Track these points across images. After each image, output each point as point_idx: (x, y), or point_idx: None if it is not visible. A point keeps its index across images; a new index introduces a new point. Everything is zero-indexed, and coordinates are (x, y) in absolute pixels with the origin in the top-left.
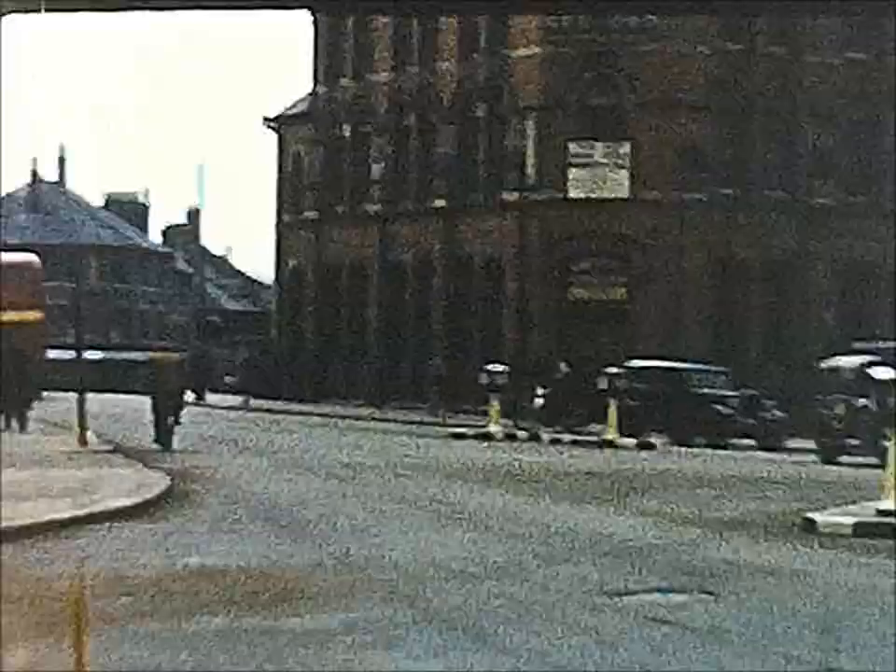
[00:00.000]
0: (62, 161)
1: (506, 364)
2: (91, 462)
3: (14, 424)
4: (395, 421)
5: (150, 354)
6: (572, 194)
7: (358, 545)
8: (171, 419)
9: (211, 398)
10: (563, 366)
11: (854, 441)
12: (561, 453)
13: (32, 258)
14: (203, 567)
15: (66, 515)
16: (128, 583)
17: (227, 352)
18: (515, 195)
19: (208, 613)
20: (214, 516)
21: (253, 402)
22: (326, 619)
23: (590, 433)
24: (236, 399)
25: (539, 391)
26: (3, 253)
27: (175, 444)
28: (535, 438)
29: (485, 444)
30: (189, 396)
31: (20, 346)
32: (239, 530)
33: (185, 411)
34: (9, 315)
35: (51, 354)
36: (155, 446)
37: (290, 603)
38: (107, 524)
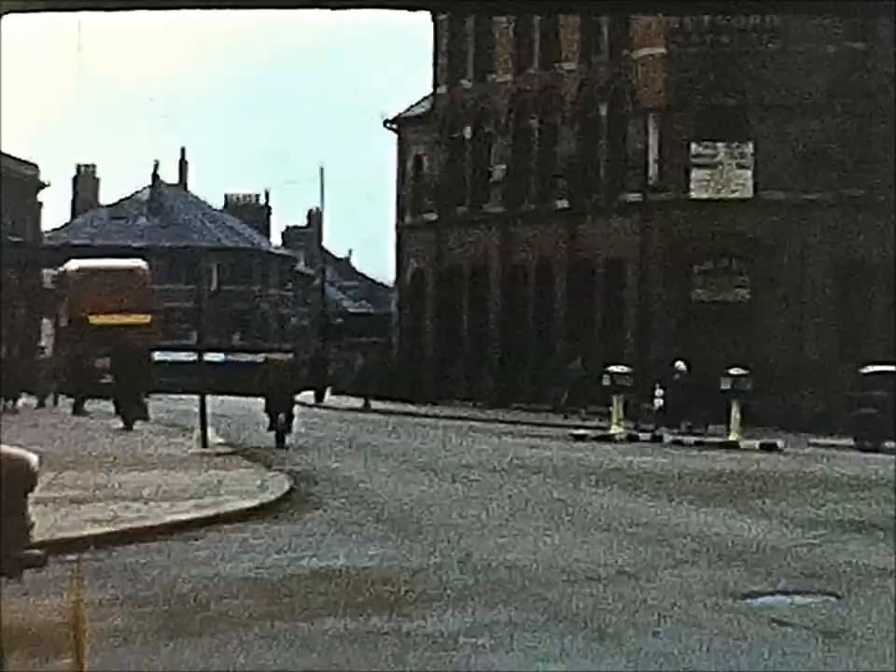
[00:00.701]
0: (183, 163)
1: (628, 365)
2: (213, 464)
3: (134, 422)
4: (516, 423)
5: (264, 355)
6: (694, 195)
7: (480, 547)
8: (282, 417)
9: (331, 399)
10: (681, 366)
11: None
12: (683, 454)
13: (140, 263)
14: (326, 569)
15: (189, 517)
16: (251, 585)
17: (347, 354)
18: (637, 196)
19: (331, 615)
20: (335, 518)
21: (373, 404)
22: (448, 620)
23: (711, 434)
24: (356, 401)
25: (658, 392)
26: (114, 260)
27: (295, 445)
28: (657, 439)
29: (607, 446)
30: (310, 397)
31: (139, 348)
32: (360, 532)
33: (305, 412)
34: (121, 318)
35: (172, 356)
36: (277, 448)
37: (412, 605)
38: (230, 525)
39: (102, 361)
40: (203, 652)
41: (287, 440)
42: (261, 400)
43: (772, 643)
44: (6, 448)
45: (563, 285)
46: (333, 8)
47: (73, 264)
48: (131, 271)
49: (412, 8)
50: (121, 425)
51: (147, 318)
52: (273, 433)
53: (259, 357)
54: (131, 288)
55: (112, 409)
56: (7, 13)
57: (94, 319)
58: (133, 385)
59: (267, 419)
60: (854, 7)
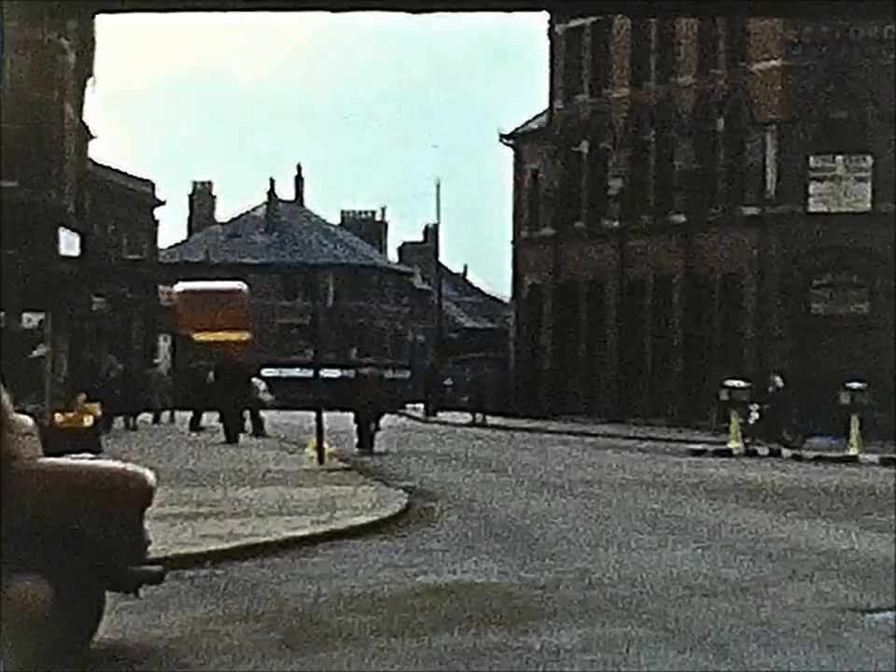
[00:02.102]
0: (298, 179)
1: (745, 379)
2: (329, 480)
3: (237, 436)
4: (633, 437)
5: (355, 370)
6: (813, 208)
7: (597, 562)
8: (372, 426)
9: (445, 414)
10: (777, 380)
11: None
12: (802, 469)
13: (241, 286)
14: (442, 585)
15: (306, 533)
16: (368, 601)
17: (465, 369)
18: (755, 210)
19: (447, 630)
20: (452, 533)
21: (489, 419)
22: (564, 636)
23: (809, 448)
24: (469, 417)
25: (754, 406)
26: (216, 282)
27: (409, 461)
28: (775, 454)
29: (725, 460)
30: (419, 412)
31: (239, 363)
32: (477, 547)
33: (418, 427)
34: (221, 335)
35: (287, 372)
36: (392, 465)
37: (529, 620)
38: (347, 541)
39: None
40: (319, 669)
41: (375, 448)
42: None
43: (892, 659)
44: (123, 464)
45: (680, 299)
46: (334, 10)
47: (179, 286)
48: (231, 292)
49: (415, 11)
50: (224, 439)
51: (245, 336)
52: (359, 439)
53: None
54: (231, 308)
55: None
56: (97, 13)
57: (198, 336)
58: (236, 399)
59: (355, 426)
60: (855, 7)
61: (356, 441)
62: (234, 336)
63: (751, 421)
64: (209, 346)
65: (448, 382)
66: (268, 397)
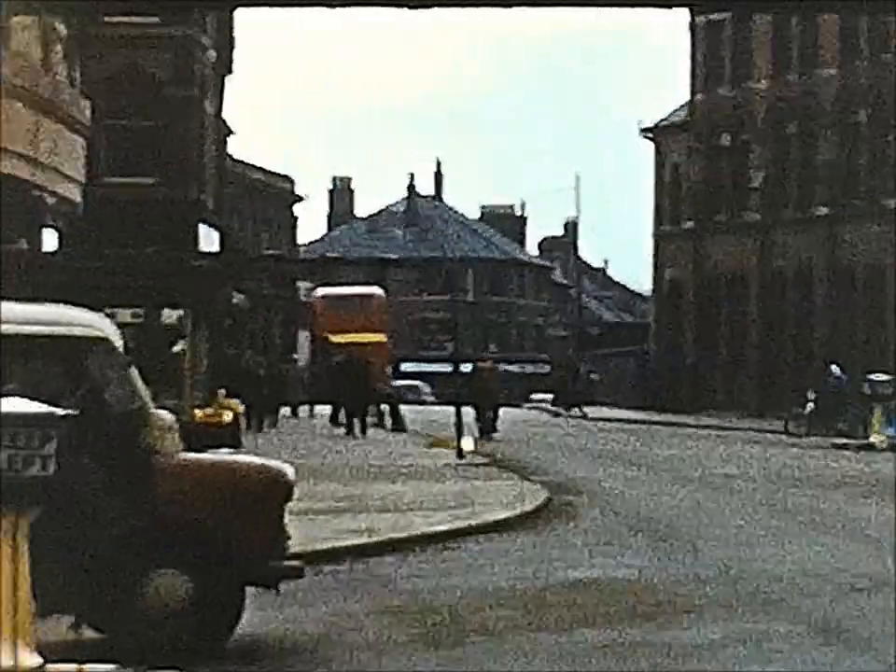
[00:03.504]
0: (438, 174)
1: (886, 373)
2: (468, 474)
3: (357, 431)
4: (775, 431)
5: (472, 364)
6: None
7: (740, 557)
8: (489, 414)
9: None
10: (834, 370)
11: None
12: None
13: (377, 290)
14: (582, 580)
15: (445, 528)
16: (509, 596)
17: (605, 364)
18: None
19: (589, 626)
20: (591, 528)
21: (628, 414)
22: (705, 631)
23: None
24: (612, 412)
25: (810, 395)
26: (354, 287)
27: (544, 454)
28: None
29: (868, 455)
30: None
31: (364, 360)
32: (617, 542)
33: (556, 422)
34: (356, 336)
35: (425, 367)
36: (532, 458)
37: (669, 616)
38: (486, 536)
39: None
40: (459, 664)
41: (494, 436)
42: (517, 412)
43: None
44: (263, 460)
45: (822, 291)
46: (332, 6)
47: (319, 291)
48: (369, 297)
49: (412, 7)
50: (351, 431)
51: (381, 337)
52: (479, 429)
53: (516, 369)
54: (367, 311)
55: (371, 420)
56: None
57: (334, 338)
58: (358, 394)
59: (475, 416)
60: (855, 6)
61: (476, 431)
62: (369, 337)
63: (806, 411)
64: (344, 347)
65: (594, 376)
66: (429, 398)
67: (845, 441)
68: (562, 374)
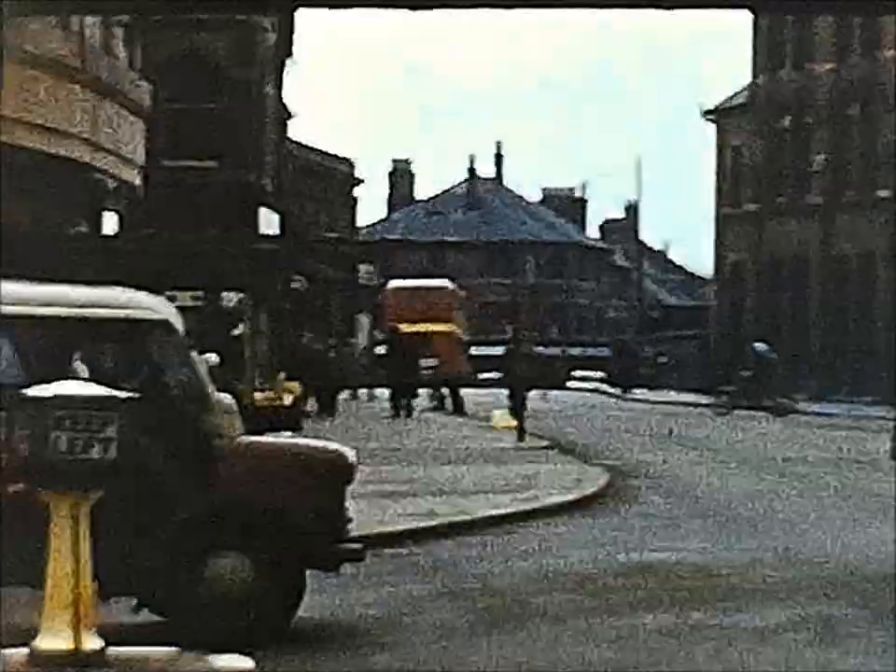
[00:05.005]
0: (499, 156)
1: None
2: (530, 457)
3: (402, 412)
4: (837, 415)
5: (504, 348)
6: None
7: (802, 541)
8: (524, 397)
9: (643, 393)
10: (759, 346)
11: None
12: None
13: (447, 283)
14: (644, 563)
15: (507, 511)
16: (570, 579)
17: (669, 346)
18: None
19: (650, 610)
20: (653, 512)
21: (684, 397)
22: (767, 615)
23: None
24: (667, 395)
25: (743, 372)
26: (424, 279)
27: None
28: None
29: None
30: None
31: (412, 343)
32: (678, 526)
33: (615, 405)
34: (426, 326)
35: (487, 350)
36: (592, 441)
37: (731, 599)
38: (548, 519)
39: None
40: (522, 647)
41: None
42: (577, 395)
43: None
44: (324, 442)
45: (885, 275)
46: (331, 7)
47: (392, 284)
48: (439, 289)
49: (413, 7)
50: (398, 413)
51: (450, 327)
52: (513, 413)
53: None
54: (437, 303)
55: (428, 404)
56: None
57: (404, 328)
58: (405, 375)
59: (509, 400)
60: (855, 6)
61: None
62: (438, 327)
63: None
64: (414, 336)
65: (662, 359)
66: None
67: None
68: (621, 358)
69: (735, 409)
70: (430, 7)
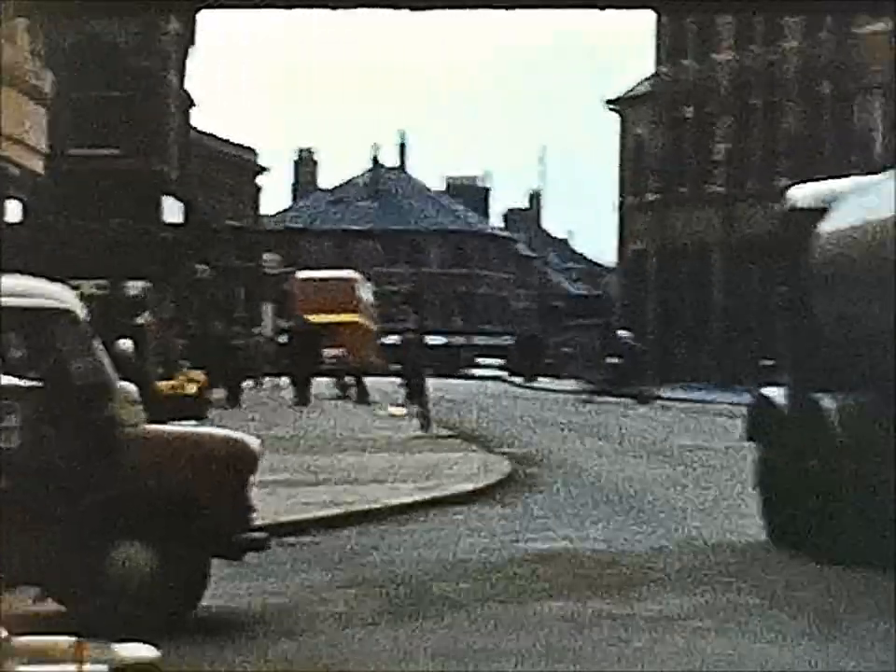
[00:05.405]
0: (402, 146)
1: None
2: (432, 446)
3: (303, 402)
4: (738, 404)
5: (401, 337)
6: None
7: (703, 528)
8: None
9: (546, 381)
10: (623, 333)
11: None
12: None
13: (354, 275)
14: (547, 552)
15: (410, 500)
16: (473, 568)
17: (570, 335)
18: (863, 174)
19: (552, 598)
20: (555, 500)
21: (589, 386)
22: (670, 603)
23: None
24: (571, 384)
25: (610, 359)
26: (328, 271)
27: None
28: None
29: None
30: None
31: (306, 328)
32: (581, 514)
33: (518, 394)
34: (332, 317)
35: (390, 340)
36: (496, 429)
37: (633, 587)
38: (451, 508)
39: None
40: (424, 635)
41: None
42: (485, 383)
43: None
44: (228, 432)
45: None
46: (333, 8)
47: (299, 275)
48: (345, 280)
49: (414, 8)
50: (300, 401)
51: (356, 318)
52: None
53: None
54: (343, 294)
55: (332, 393)
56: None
57: (313, 318)
58: (306, 363)
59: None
60: (855, 6)
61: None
62: (344, 318)
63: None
64: (319, 326)
65: (567, 350)
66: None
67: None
68: (523, 347)
69: (600, 396)
70: (430, 7)
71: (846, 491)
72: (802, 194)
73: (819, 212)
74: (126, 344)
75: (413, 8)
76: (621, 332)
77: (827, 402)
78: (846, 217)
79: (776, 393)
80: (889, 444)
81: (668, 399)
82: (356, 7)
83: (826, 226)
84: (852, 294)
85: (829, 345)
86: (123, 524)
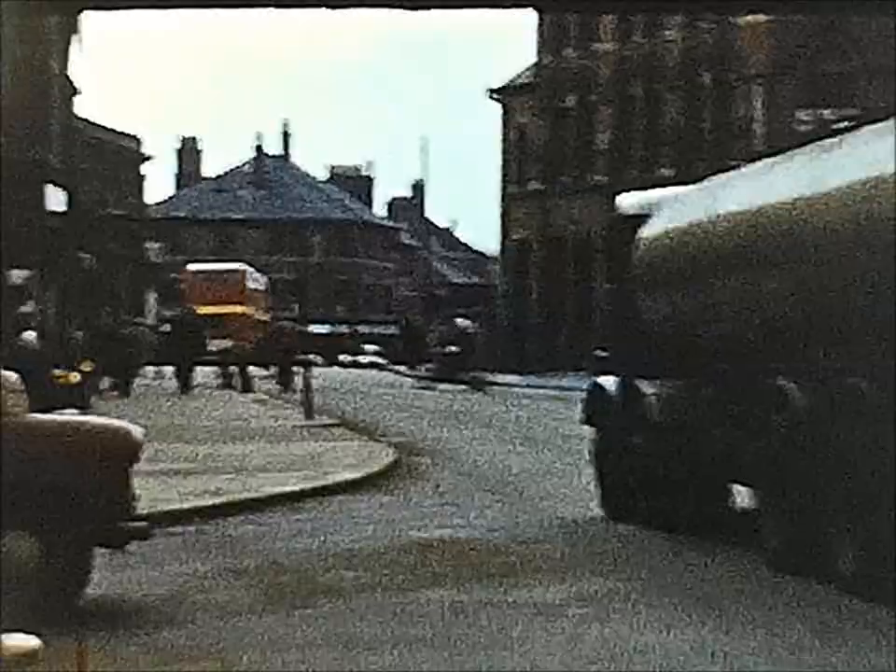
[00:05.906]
0: (286, 135)
1: None
2: (317, 435)
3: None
4: (561, 389)
5: (278, 324)
6: None
7: (581, 516)
8: (293, 373)
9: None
10: (460, 321)
11: None
12: None
13: (242, 267)
14: (430, 540)
15: (294, 488)
16: (356, 556)
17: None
18: (742, 163)
19: (435, 586)
20: (440, 488)
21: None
22: (553, 590)
23: None
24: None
25: (450, 347)
26: (221, 264)
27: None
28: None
29: None
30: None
31: (189, 316)
32: (465, 502)
33: (405, 382)
34: (220, 308)
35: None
36: (380, 419)
37: (517, 575)
38: (334, 497)
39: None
40: (307, 624)
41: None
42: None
43: None
44: (109, 420)
45: None
46: (332, 7)
47: (190, 267)
48: (233, 272)
49: (412, 8)
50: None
51: (243, 309)
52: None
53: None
54: (231, 286)
55: (216, 381)
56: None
57: (201, 309)
58: (189, 352)
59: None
60: (855, 6)
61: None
62: (231, 309)
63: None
64: (210, 317)
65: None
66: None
67: None
68: (408, 336)
69: (440, 382)
70: (430, 7)
71: (662, 463)
72: (628, 202)
73: (642, 218)
74: (31, 335)
75: (413, 8)
76: (459, 321)
77: (646, 387)
78: (660, 224)
79: (607, 381)
80: (695, 422)
81: (503, 384)
82: (356, 6)
83: (645, 231)
84: (665, 293)
85: (649, 338)
86: (5, 513)
